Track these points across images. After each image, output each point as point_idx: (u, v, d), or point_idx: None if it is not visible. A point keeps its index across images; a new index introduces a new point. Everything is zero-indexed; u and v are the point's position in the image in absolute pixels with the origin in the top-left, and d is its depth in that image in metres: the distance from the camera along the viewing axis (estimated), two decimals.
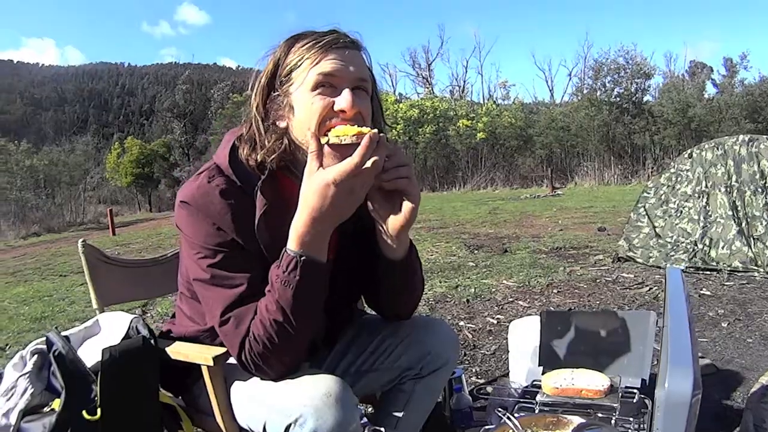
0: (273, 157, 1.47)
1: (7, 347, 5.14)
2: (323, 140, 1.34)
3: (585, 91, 32.25)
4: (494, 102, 37.81)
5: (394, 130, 29.83)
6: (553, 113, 33.42)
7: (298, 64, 1.44)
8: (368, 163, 1.29)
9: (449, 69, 71.93)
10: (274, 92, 1.48)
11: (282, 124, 1.49)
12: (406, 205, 1.43)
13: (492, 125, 31.60)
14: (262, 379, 1.50)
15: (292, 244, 1.37)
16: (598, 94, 30.38)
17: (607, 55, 31.03)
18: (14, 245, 23.55)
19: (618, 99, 29.72)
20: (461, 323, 4.53)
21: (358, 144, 1.29)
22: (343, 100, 1.41)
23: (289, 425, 1.39)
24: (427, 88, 44.35)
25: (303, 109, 1.43)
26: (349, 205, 1.36)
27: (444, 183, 30.60)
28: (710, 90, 33.41)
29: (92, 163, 44.99)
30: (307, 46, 1.44)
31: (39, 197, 34.97)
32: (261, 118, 1.49)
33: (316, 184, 1.31)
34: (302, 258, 1.36)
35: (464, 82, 44.96)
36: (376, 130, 1.32)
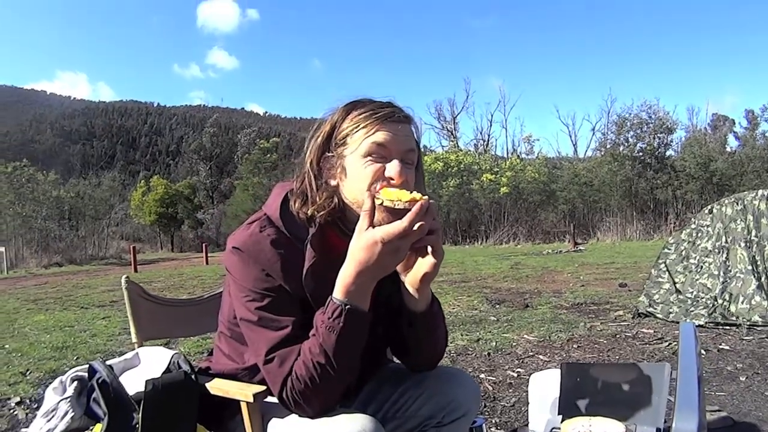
0: (323, 213, 1.58)
1: (28, 372, 5.24)
2: (377, 201, 1.42)
3: (608, 146, 32.32)
4: (518, 156, 38.00)
5: None
6: (577, 168, 33.55)
7: (354, 130, 1.55)
8: (415, 227, 1.37)
9: (474, 122, 72.38)
10: (329, 152, 1.60)
11: (333, 183, 1.60)
12: (430, 259, 1.53)
13: (515, 180, 31.68)
14: (299, 416, 1.57)
15: (338, 293, 1.46)
16: (621, 149, 30.48)
17: (630, 110, 31.35)
18: (36, 273, 23.86)
19: (641, 154, 29.82)
20: (482, 376, 4.55)
21: (409, 209, 1.38)
22: (393, 168, 1.53)
23: None
24: (452, 141, 44.66)
25: (354, 172, 1.55)
26: (393, 263, 1.46)
27: (467, 237, 30.56)
28: (732, 143, 33.62)
29: (117, 199, 45.54)
30: (364, 115, 1.56)
31: (63, 228, 35.42)
32: (314, 175, 1.61)
33: (364, 240, 1.41)
34: (347, 306, 1.45)
35: (489, 135, 45.32)
36: (427, 197, 1.41)
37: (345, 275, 1.45)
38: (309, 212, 1.58)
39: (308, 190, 1.61)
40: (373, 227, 1.42)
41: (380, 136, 1.54)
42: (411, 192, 1.42)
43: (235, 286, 1.60)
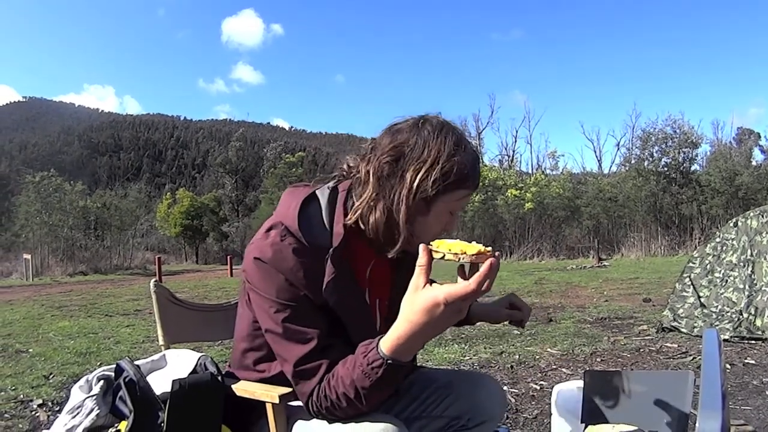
0: (372, 227, 1.57)
1: (51, 376, 5.32)
2: (437, 255, 1.32)
3: (633, 161, 32.11)
4: (543, 172, 37.84)
5: None
6: (601, 184, 33.36)
7: (455, 184, 1.53)
8: (483, 287, 1.28)
9: (499, 138, 71.79)
10: (395, 169, 1.54)
11: (387, 202, 1.56)
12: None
13: (540, 195, 31.55)
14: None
15: (385, 347, 1.38)
16: (646, 164, 30.25)
17: (654, 125, 31.12)
18: (61, 281, 24.12)
19: (665, 169, 29.58)
20: (505, 388, 4.50)
21: (473, 263, 1.30)
22: (454, 225, 1.62)
23: None
24: None
25: (436, 217, 1.57)
26: (450, 323, 1.37)
27: None
28: (758, 156, 33.29)
29: (143, 211, 45.90)
30: (466, 175, 1.55)
31: (89, 238, 35.86)
32: (376, 189, 1.55)
33: (424, 300, 1.30)
34: (389, 362, 1.38)
35: (513, 151, 45.15)
36: (498, 253, 1.32)
37: (398, 333, 1.36)
38: (363, 226, 1.59)
39: (365, 201, 1.57)
40: (431, 283, 1.32)
41: (460, 201, 1.59)
42: (476, 245, 1.33)
43: (258, 297, 1.57)
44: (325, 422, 1.56)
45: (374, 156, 1.57)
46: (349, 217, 1.58)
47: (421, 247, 1.33)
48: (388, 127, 1.63)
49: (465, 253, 1.28)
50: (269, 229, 1.58)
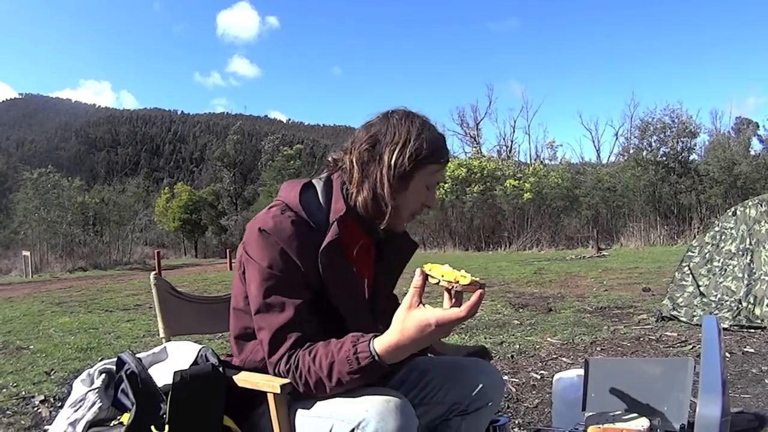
0: (362, 205, 1.75)
1: (53, 372, 5.31)
2: (432, 281, 1.49)
3: (631, 151, 32.01)
4: (541, 162, 37.70)
5: (441, 189, 29.83)
6: (600, 173, 33.27)
7: (427, 159, 1.74)
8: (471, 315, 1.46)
9: (497, 128, 70.71)
10: (374, 154, 1.74)
11: (371, 182, 1.74)
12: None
13: (539, 185, 31.48)
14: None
15: (378, 346, 1.52)
16: (644, 153, 30.14)
17: (653, 114, 30.91)
18: (60, 277, 24.04)
19: (664, 158, 29.46)
20: (505, 378, 4.50)
21: (448, 287, 1.47)
22: (434, 199, 1.84)
23: (353, 430, 1.51)
24: (475, 147, 44.29)
25: (415, 192, 1.77)
26: (437, 339, 1.59)
27: (490, 243, 30.43)
28: (756, 146, 33.17)
29: (141, 205, 45.71)
30: (437, 149, 1.77)
31: (87, 234, 35.82)
32: (361, 173, 1.75)
33: (417, 319, 1.46)
34: (375, 358, 1.52)
35: (512, 141, 44.82)
36: (483, 283, 1.47)
37: (388, 339, 1.52)
38: (359, 204, 1.75)
39: (356, 182, 1.75)
40: (423, 305, 1.49)
41: (437, 175, 1.79)
42: (465, 274, 1.47)
43: (252, 267, 1.69)
44: (326, 402, 1.63)
45: (354, 147, 1.77)
46: (350, 197, 1.76)
47: (418, 270, 1.51)
48: (363, 124, 1.83)
49: (458, 282, 1.45)
50: (271, 207, 1.76)
